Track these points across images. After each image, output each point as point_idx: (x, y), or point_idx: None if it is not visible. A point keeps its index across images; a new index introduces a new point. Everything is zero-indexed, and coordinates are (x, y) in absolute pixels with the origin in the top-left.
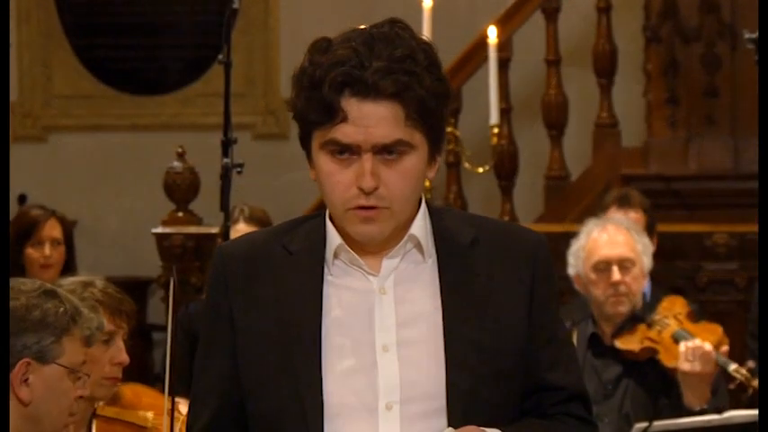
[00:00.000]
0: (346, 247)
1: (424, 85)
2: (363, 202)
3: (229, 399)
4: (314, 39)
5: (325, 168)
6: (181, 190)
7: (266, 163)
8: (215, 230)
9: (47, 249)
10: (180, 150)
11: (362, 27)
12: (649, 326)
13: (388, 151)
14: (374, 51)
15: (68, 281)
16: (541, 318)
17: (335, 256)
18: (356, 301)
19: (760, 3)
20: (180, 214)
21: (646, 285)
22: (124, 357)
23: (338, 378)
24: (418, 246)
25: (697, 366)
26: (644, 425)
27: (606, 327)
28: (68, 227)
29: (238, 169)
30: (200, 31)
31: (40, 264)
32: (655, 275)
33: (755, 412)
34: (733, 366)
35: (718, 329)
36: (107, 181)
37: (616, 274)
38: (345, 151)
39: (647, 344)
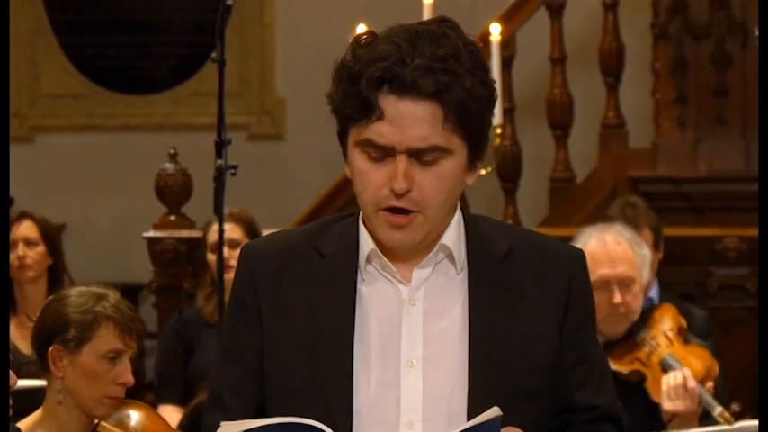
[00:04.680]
0: (379, 252)
1: (465, 87)
2: (394, 203)
3: (251, 402)
4: (309, 36)
5: (359, 166)
6: (173, 192)
7: (261, 164)
8: None
9: (20, 249)
10: (172, 151)
11: (409, 23)
12: (639, 345)
13: (424, 155)
14: (417, 48)
15: (79, 290)
16: (574, 336)
17: (368, 260)
18: (386, 311)
19: (760, 2)
20: (172, 217)
21: (652, 290)
22: (129, 378)
23: (364, 391)
24: (450, 256)
25: (680, 405)
26: None
27: (600, 339)
28: (48, 229)
29: (232, 171)
30: (192, 29)
31: (15, 266)
32: (664, 281)
33: None
34: (718, 410)
35: (706, 356)
36: (97, 183)
37: (617, 297)
38: (380, 151)
39: (637, 366)
